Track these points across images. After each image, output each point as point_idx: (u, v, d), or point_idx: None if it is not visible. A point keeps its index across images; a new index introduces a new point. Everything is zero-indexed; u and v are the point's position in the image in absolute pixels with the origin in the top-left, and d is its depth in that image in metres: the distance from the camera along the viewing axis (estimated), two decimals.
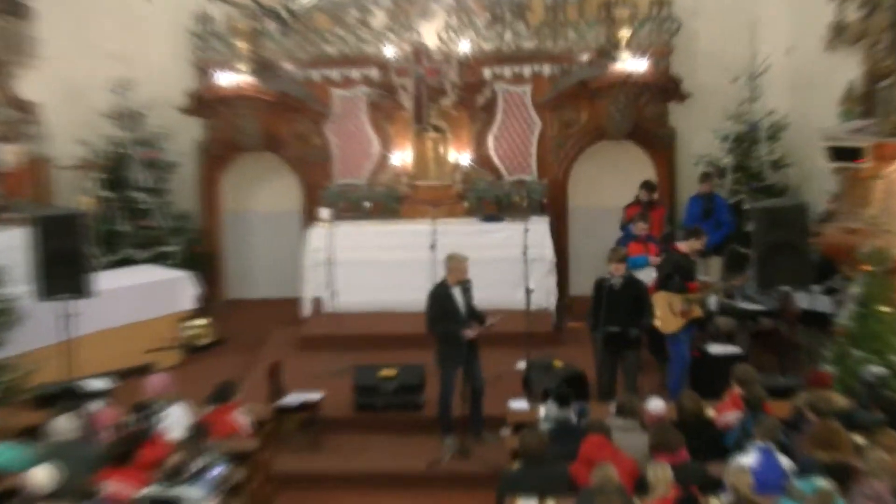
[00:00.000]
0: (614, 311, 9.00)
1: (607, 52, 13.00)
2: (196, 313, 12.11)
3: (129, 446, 6.95)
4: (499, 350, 10.05)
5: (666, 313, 9.52)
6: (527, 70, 13.31)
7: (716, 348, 9.96)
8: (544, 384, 9.23)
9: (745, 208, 12.09)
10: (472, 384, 9.11)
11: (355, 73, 13.39)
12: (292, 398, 9.43)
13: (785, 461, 6.64)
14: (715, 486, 6.55)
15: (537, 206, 13.06)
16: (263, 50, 13.36)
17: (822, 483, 6.00)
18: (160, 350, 11.41)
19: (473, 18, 13.20)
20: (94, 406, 7.93)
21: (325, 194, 13.11)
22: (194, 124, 13.64)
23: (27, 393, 9.38)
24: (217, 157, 13.73)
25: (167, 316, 11.63)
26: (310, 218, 13.04)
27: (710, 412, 7.80)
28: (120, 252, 12.86)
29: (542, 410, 7.98)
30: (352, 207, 13.08)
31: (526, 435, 7.01)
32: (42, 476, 6.43)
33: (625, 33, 12.76)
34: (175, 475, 6.57)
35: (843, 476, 6.18)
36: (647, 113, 13.19)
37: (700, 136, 13.10)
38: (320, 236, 12.22)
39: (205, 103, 13.29)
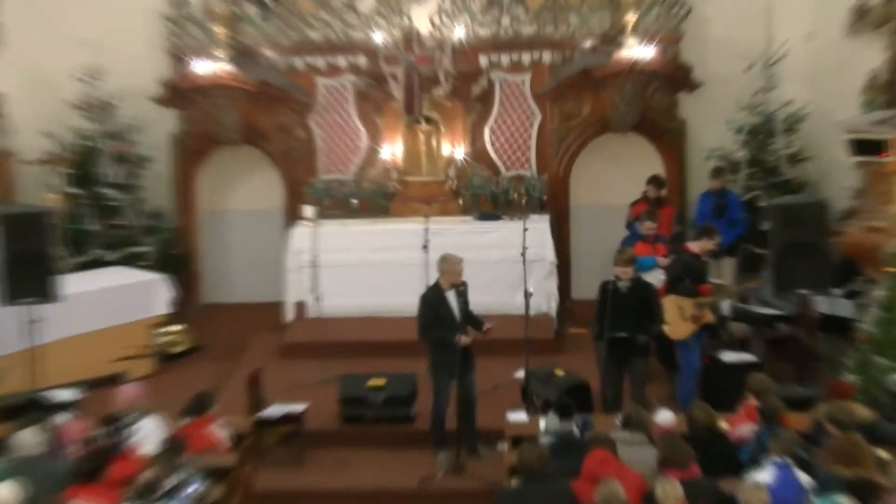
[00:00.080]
0: (620, 317, 9.00)
1: (612, 38, 13.01)
2: (170, 319, 12.09)
3: (99, 462, 6.92)
4: (496, 358, 10.06)
5: (675, 318, 9.53)
6: (526, 57, 13.32)
7: (729, 356, 9.97)
8: (544, 395, 9.25)
9: (760, 205, 12.09)
10: (464, 394, 9.11)
11: (342, 61, 13.39)
12: (274, 410, 9.41)
13: (803, 477, 6.64)
14: None
15: (537, 204, 13.09)
16: (243, 36, 13.35)
17: (844, 500, 6.00)
18: (132, 358, 11.38)
19: (468, 2, 13.21)
20: (61, 418, 7.91)
21: (309, 191, 13.13)
22: (169, 116, 13.62)
23: None
24: (193, 151, 13.72)
25: (139, 321, 11.60)
26: (293, 216, 13.03)
27: (723, 425, 7.78)
28: (89, 253, 12.82)
29: (543, 423, 7.98)
30: (338, 205, 13.10)
31: (525, 449, 7.00)
32: (5, 494, 6.41)
33: (631, 18, 12.78)
34: (148, 493, 6.56)
35: (866, 493, 6.17)
36: (655, 104, 13.20)
37: (712, 128, 13.11)
38: (304, 236, 12.20)
39: (180, 93, 13.26)
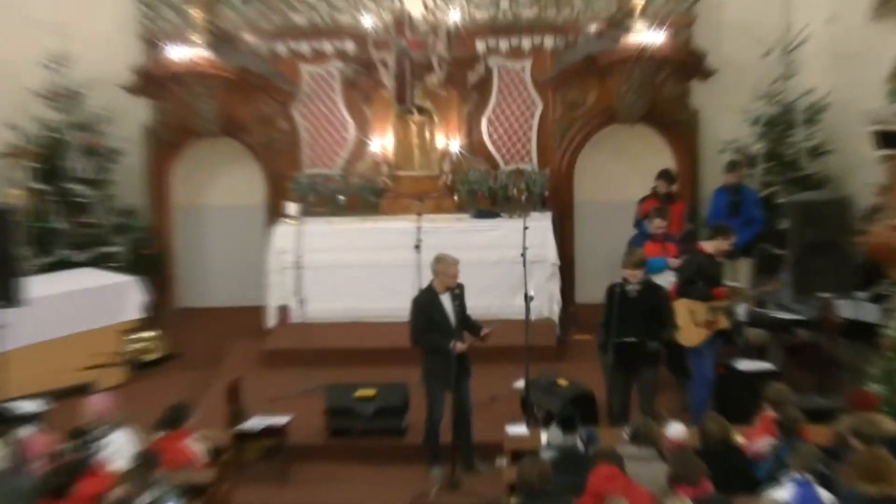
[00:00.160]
0: (629, 323, 8.97)
1: (619, 21, 13.04)
2: (143, 324, 12.10)
3: (66, 478, 6.90)
4: (494, 366, 10.10)
5: (687, 324, 9.53)
6: (526, 43, 13.36)
7: (745, 364, 9.98)
8: (546, 406, 9.25)
9: (778, 202, 12.13)
10: (460, 405, 9.11)
11: (328, 47, 13.41)
12: (254, 422, 9.42)
13: (825, 495, 6.64)
14: None
15: (538, 200, 13.11)
16: (221, 19, 13.36)
17: None
18: (101, 367, 11.38)
19: None
20: (25, 432, 7.88)
21: (292, 186, 13.14)
22: (141, 105, 13.63)
23: None
24: (168, 143, 13.73)
25: (110, 327, 11.61)
26: (275, 214, 13.06)
27: (738, 438, 7.80)
28: (55, 253, 12.83)
29: (544, 436, 7.98)
30: (324, 202, 13.12)
31: (525, 465, 6.99)
32: None
33: (639, 0, 12.78)
34: None
35: None
36: (665, 92, 13.23)
37: (726, 118, 13.15)
38: (287, 235, 12.22)
39: (153, 81, 13.26)
